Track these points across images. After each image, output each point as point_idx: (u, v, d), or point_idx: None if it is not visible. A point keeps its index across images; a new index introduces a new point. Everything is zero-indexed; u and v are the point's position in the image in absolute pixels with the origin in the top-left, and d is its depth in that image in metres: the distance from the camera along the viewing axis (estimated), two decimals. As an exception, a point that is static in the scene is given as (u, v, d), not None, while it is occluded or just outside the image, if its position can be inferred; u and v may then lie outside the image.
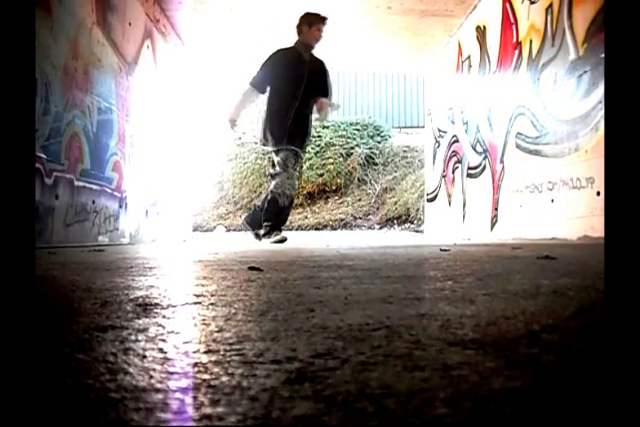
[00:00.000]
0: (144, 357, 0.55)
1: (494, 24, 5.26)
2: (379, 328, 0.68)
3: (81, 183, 4.13)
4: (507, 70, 4.93)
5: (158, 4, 5.89)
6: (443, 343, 0.59)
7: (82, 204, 4.15)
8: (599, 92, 3.38)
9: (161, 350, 0.58)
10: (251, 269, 1.57)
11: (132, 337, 0.65)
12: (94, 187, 4.38)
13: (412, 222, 10.84)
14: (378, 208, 11.78)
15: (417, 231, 9.84)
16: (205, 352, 0.57)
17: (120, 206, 4.93)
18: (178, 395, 0.43)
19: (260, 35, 6.60)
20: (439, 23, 6.23)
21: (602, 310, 0.80)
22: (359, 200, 12.00)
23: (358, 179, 12.31)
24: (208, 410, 0.40)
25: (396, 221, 11.20)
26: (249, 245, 4.63)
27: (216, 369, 0.51)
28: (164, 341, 0.63)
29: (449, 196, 6.78)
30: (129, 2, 5.12)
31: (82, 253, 2.81)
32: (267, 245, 4.61)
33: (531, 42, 4.44)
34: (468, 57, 6.07)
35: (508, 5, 4.95)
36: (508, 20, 4.92)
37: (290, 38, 5.08)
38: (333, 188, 12.35)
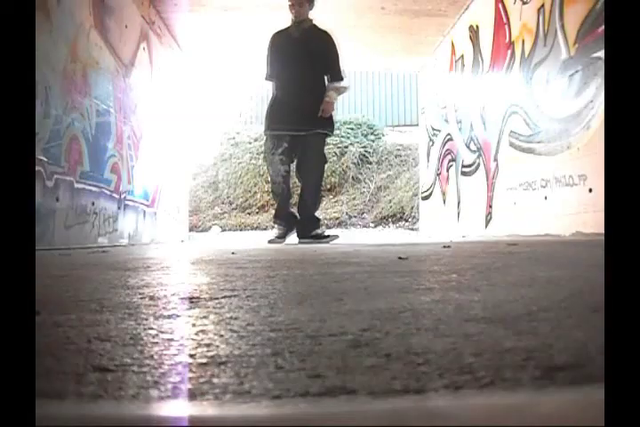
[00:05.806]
0: (221, 335, 0.64)
1: (487, 24, 5.33)
2: (404, 311, 0.79)
3: (81, 185, 4.17)
4: (500, 70, 5.01)
5: (154, 6, 5.92)
6: (460, 320, 0.71)
7: (82, 205, 4.19)
8: (590, 91, 3.46)
9: (232, 331, 0.66)
10: (264, 267, 1.63)
11: (199, 322, 0.73)
12: (93, 189, 4.42)
13: (406, 221, 10.92)
14: (372, 207, 11.85)
15: (412, 229, 9.92)
16: (270, 331, 0.66)
17: (119, 208, 4.97)
18: (266, 359, 0.53)
19: (258, 36, 6.64)
20: (432, 23, 6.30)
21: (589, 295, 0.91)
22: (354, 199, 12.05)
23: (352, 177, 12.36)
24: (299, 364, 0.51)
25: (390, 220, 11.27)
26: (248, 244, 4.68)
27: (288, 341, 0.61)
28: (229, 324, 0.71)
29: (443, 194, 6.85)
30: (125, 4, 5.15)
31: (88, 254, 2.86)
32: (265, 244, 4.60)
33: (523, 42, 4.52)
34: (462, 56, 6.15)
35: (500, 5, 5.03)
36: (501, 20, 4.99)
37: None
38: (328, 186, 12.40)
